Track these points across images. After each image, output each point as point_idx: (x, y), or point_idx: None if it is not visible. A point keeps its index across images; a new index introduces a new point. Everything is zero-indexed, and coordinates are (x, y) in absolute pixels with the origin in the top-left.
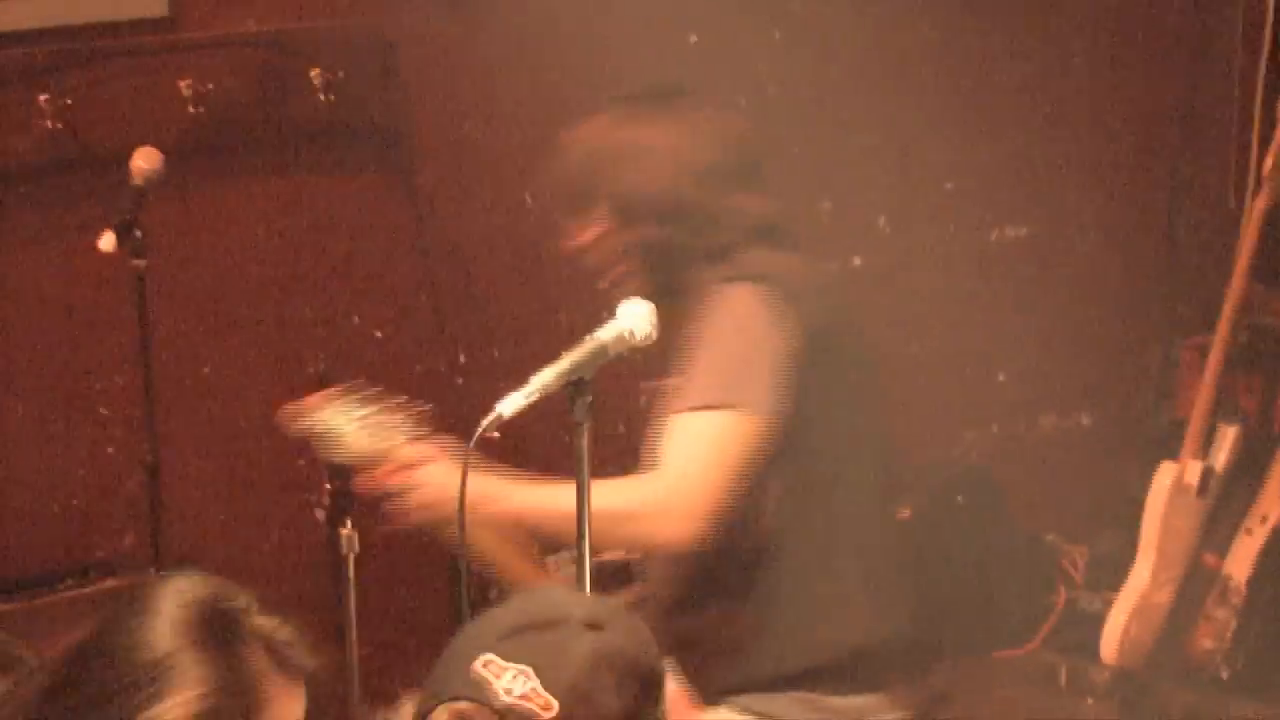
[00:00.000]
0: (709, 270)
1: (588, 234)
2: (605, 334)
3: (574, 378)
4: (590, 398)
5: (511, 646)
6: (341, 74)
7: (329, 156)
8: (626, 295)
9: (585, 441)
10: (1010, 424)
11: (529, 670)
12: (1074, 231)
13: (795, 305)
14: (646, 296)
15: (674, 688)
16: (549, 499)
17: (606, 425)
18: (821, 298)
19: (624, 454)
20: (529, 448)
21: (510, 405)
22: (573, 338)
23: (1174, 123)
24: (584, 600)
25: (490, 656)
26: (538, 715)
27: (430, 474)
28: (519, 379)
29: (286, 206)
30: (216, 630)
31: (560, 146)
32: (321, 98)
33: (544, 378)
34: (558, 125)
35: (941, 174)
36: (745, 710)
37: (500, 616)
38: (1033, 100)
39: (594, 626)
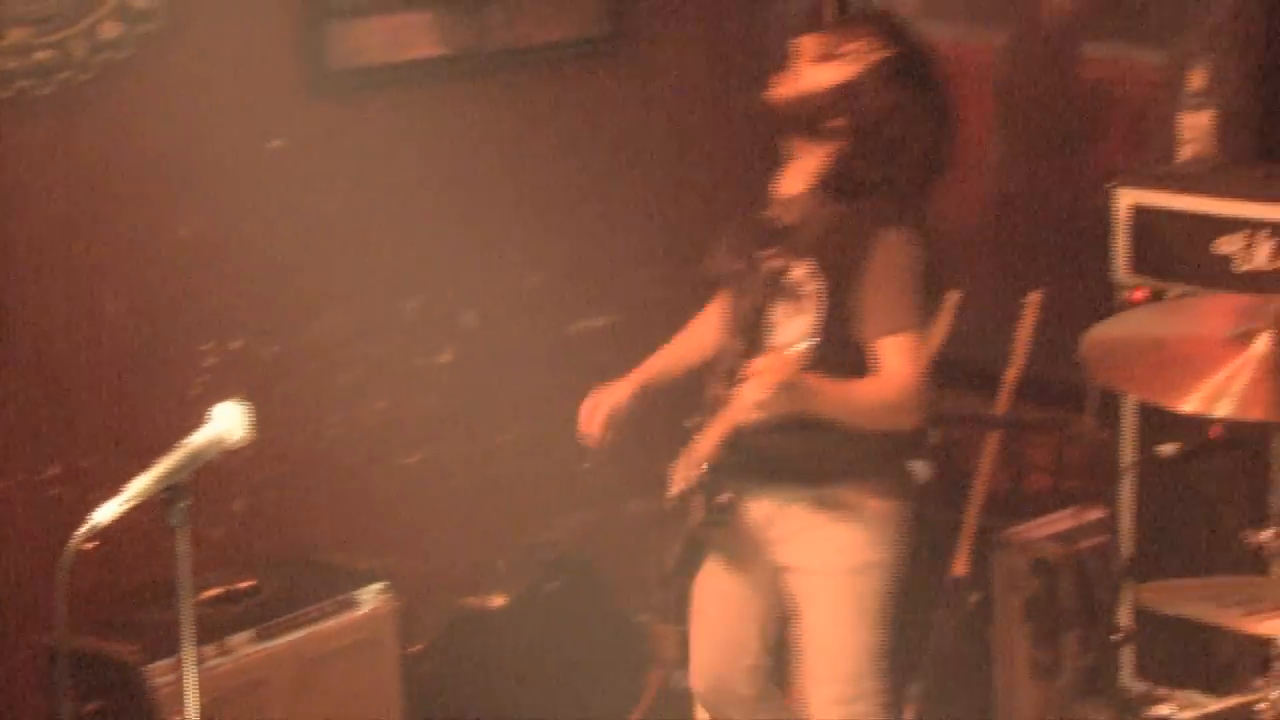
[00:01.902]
0: (882, 202)
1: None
2: (200, 438)
3: (170, 483)
4: (187, 502)
5: None
6: None
7: None
8: None
9: (184, 543)
10: (600, 509)
11: None
12: (649, 320)
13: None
14: (828, 183)
15: None
16: (842, 398)
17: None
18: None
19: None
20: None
21: (106, 513)
22: (165, 443)
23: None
24: None
25: None
26: None
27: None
28: (112, 488)
29: None
30: None
31: None
32: None
33: (140, 484)
34: (143, 234)
35: (523, 268)
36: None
37: None
38: (606, 195)
39: None
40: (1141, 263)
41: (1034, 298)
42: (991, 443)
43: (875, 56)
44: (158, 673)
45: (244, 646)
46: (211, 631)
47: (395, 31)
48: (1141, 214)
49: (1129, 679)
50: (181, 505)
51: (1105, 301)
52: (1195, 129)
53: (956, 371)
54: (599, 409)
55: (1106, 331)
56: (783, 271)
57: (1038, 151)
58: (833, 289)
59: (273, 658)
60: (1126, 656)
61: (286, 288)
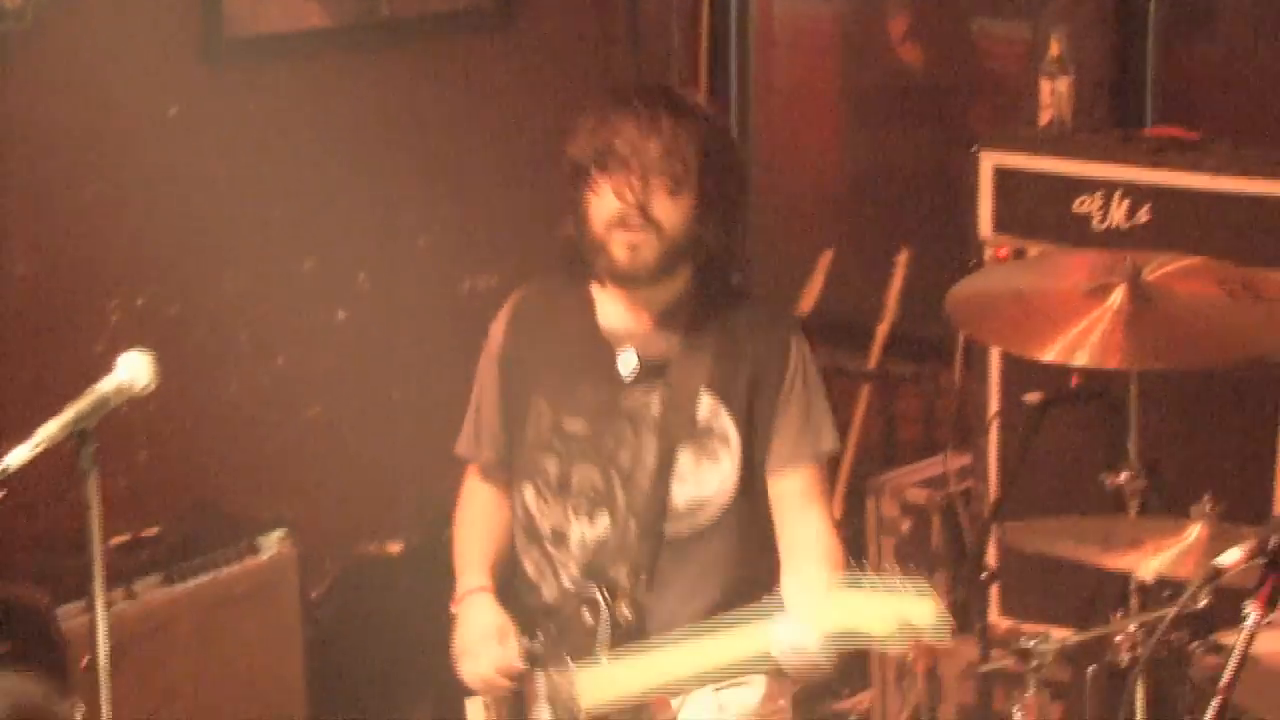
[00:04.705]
0: (763, 309)
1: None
2: (106, 385)
3: (78, 428)
4: (95, 446)
5: None
6: None
7: None
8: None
9: (93, 487)
10: None
11: None
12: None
13: None
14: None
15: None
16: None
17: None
18: None
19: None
20: None
21: (16, 458)
22: (73, 395)
23: None
24: None
25: None
26: None
27: None
28: (22, 439)
29: None
30: None
31: None
32: None
33: (48, 429)
34: (48, 197)
35: (415, 230)
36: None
37: None
38: (493, 160)
39: None
40: (1004, 222)
41: (903, 256)
42: (864, 394)
43: (694, 158)
44: (67, 615)
45: (150, 591)
46: (119, 576)
47: (290, 2)
48: (1004, 175)
49: (996, 615)
50: (90, 449)
51: (970, 259)
52: (1055, 95)
53: (830, 327)
54: (503, 674)
55: (971, 287)
56: (683, 414)
57: (908, 118)
58: (744, 423)
59: (178, 602)
60: (993, 594)
61: (188, 248)
